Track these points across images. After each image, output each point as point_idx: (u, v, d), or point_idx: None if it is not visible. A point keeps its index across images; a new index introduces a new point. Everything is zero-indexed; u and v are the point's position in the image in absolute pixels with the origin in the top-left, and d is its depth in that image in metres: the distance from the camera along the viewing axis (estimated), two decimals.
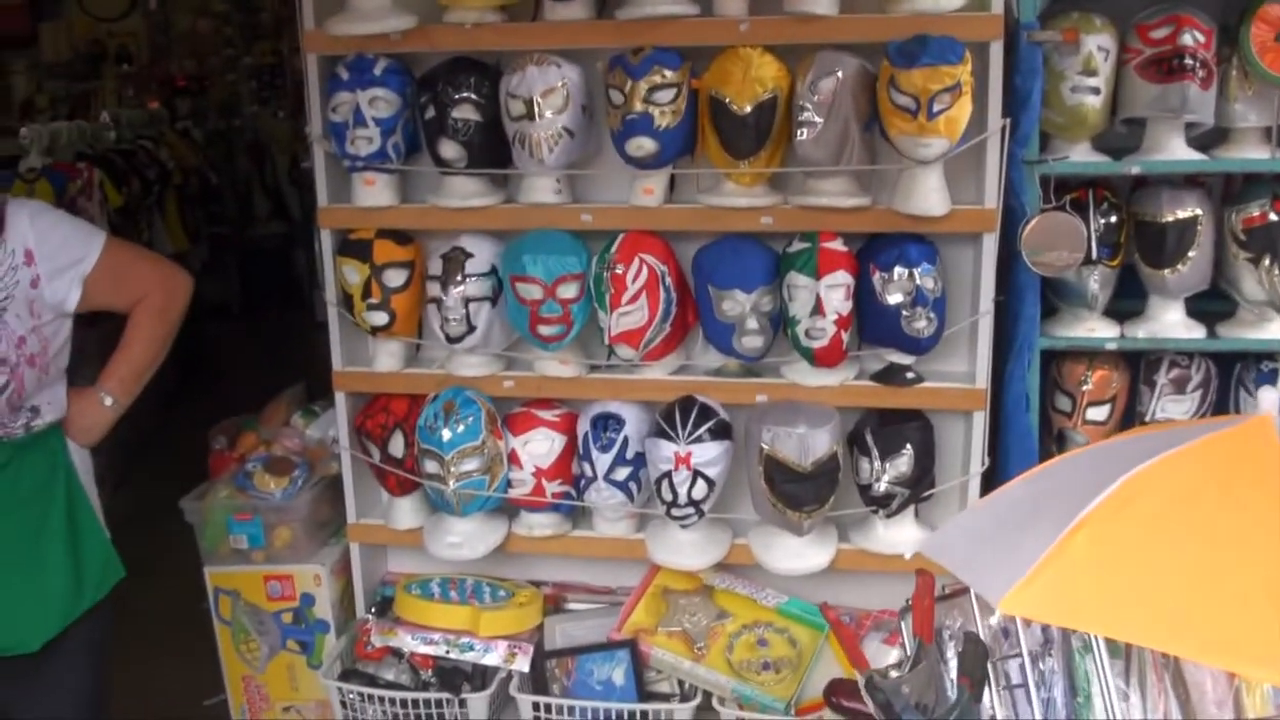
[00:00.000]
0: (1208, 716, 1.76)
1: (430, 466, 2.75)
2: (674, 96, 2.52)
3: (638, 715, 2.68)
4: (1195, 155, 2.53)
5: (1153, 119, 2.54)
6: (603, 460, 2.71)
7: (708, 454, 2.60)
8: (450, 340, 2.75)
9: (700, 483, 2.61)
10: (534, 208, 2.72)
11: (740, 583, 2.86)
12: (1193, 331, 2.60)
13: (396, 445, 2.85)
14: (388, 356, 2.88)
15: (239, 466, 3.06)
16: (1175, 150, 2.53)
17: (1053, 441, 2.69)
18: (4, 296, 2.12)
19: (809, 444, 2.54)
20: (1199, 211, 2.53)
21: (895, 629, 2.67)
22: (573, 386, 2.80)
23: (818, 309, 2.52)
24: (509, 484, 2.81)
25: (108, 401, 2.35)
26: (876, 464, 2.61)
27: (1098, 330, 2.62)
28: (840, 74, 2.42)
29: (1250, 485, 1.26)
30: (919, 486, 2.64)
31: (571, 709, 2.69)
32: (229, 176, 8.81)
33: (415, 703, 2.74)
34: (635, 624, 2.77)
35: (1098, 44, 2.51)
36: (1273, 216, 2.48)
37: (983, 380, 2.62)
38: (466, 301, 2.71)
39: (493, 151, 2.70)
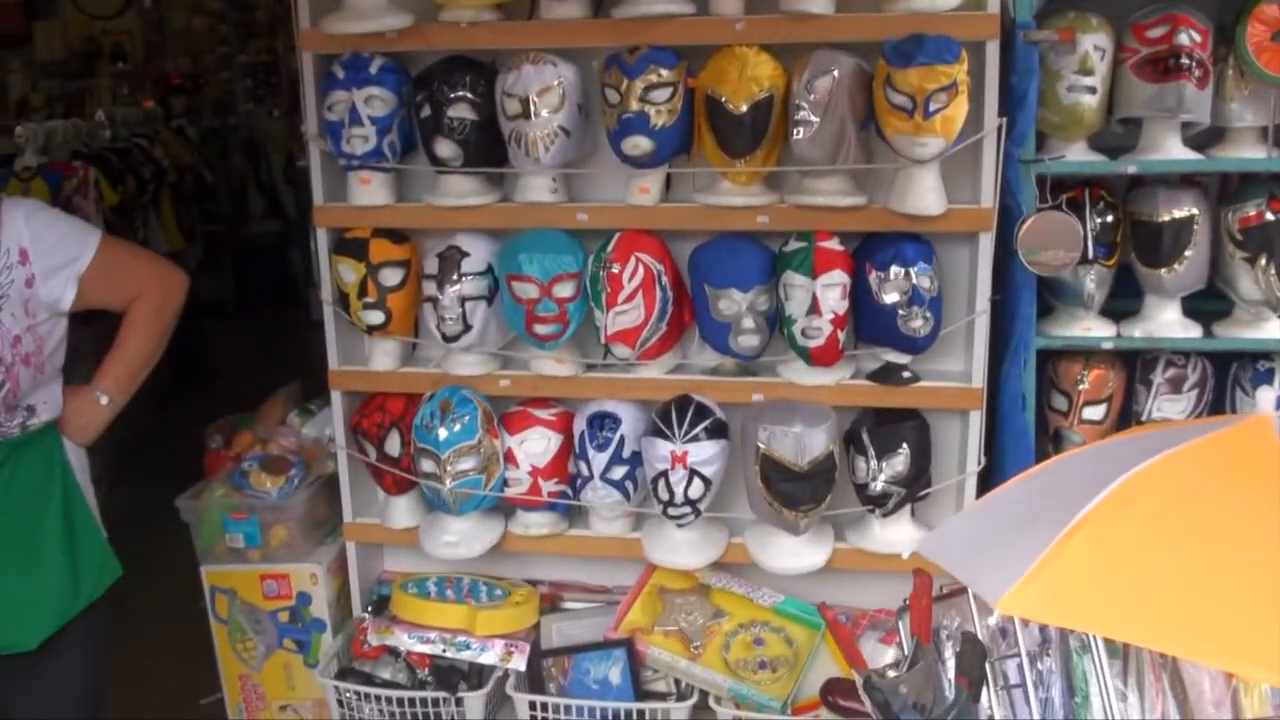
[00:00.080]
0: (1205, 716, 1.77)
1: (426, 465, 2.74)
2: (670, 95, 2.52)
3: (634, 714, 2.68)
4: (1191, 155, 2.54)
5: (1149, 118, 2.54)
6: (599, 459, 2.71)
7: (704, 453, 2.60)
8: (446, 339, 2.74)
9: (696, 482, 2.61)
10: (530, 207, 2.72)
11: (737, 582, 2.86)
12: (1189, 331, 2.60)
13: (393, 444, 2.84)
14: (384, 355, 2.88)
15: (235, 465, 3.06)
16: (1171, 150, 2.53)
17: (1049, 441, 2.70)
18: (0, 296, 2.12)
19: (805, 443, 2.53)
20: (1195, 211, 2.53)
21: (891, 628, 2.67)
22: (569, 385, 2.80)
23: (814, 308, 2.52)
24: (505, 483, 2.80)
25: (103, 400, 2.35)
26: (873, 463, 2.61)
27: (1094, 330, 2.62)
28: (836, 73, 2.42)
29: (1249, 485, 1.26)
30: (915, 486, 2.64)
31: (568, 708, 2.69)
32: (224, 175, 8.81)
33: (412, 701, 2.74)
34: (632, 623, 2.77)
35: (1094, 43, 2.51)
36: (1269, 216, 2.49)
37: (979, 379, 2.62)
38: (462, 300, 2.71)
39: (488, 150, 2.69)
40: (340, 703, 2.78)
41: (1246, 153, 2.54)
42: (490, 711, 2.78)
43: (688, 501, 2.62)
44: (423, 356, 2.96)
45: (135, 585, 2.59)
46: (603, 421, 2.76)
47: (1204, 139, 2.58)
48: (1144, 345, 2.62)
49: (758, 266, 2.61)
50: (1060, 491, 1.33)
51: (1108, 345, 2.61)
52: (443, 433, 2.69)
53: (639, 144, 2.53)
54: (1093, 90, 2.52)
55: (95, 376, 2.36)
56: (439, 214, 2.76)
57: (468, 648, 2.76)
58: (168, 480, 3.19)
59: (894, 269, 2.51)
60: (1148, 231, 2.56)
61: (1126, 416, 2.67)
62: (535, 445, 2.79)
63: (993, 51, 2.46)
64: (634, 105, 2.51)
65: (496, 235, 2.79)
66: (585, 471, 2.74)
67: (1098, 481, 1.26)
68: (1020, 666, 1.74)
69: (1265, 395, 1.44)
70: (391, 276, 2.76)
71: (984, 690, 1.62)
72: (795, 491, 2.57)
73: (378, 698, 2.74)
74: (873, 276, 2.54)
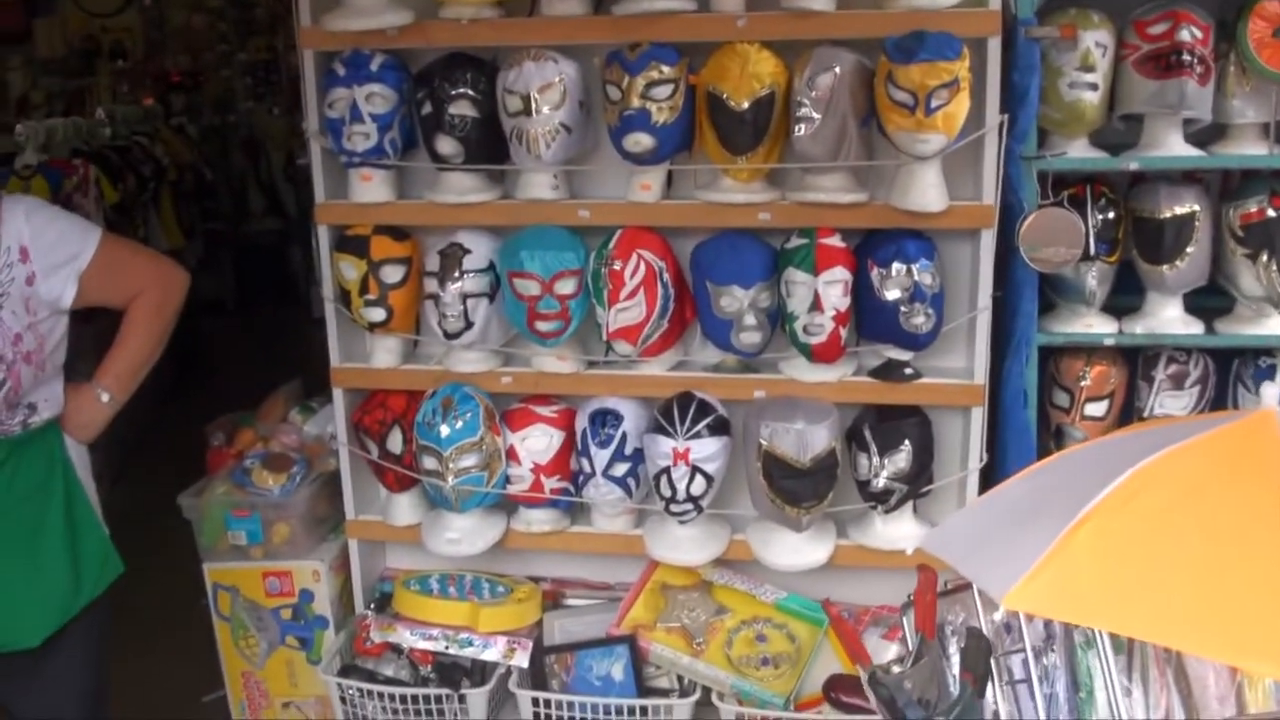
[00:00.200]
0: (1210, 712, 1.77)
1: (428, 463, 2.74)
2: (671, 92, 2.52)
3: (637, 711, 2.68)
4: (1193, 151, 2.53)
5: (1150, 115, 2.54)
6: (601, 456, 2.71)
7: (706, 450, 2.60)
8: (448, 336, 2.74)
9: (699, 478, 2.61)
10: (531, 204, 2.72)
11: (739, 578, 2.86)
12: (1191, 327, 2.60)
13: (395, 441, 2.84)
14: (385, 353, 2.87)
15: (237, 463, 3.06)
16: (1173, 146, 2.53)
17: (1051, 437, 2.69)
18: (0, 294, 2.12)
19: (807, 440, 2.54)
20: (1197, 207, 2.53)
21: (894, 624, 2.67)
22: (571, 382, 2.80)
23: (816, 305, 2.52)
24: (507, 480, 2.80)
25: (104, 398, 2.35)
26: (875, 460, 2.61)
27: (1096, 326, 2.61)
28: (838, 70, 2.42)
29: (1254, 480, 1.26)
30: (917, 482, 2.64)
31: (571, 704, 2.69)
32: (224, 172, 8.80)
33: (415, 698, 2.74)
34: (634, 620, 2.77)
35: (1095, 40, 2.51)
36: (1270, 212, 2.48)
37: (981, 376, 2.62)
38: (464, 297, 2.70)
39: (490, 147, 2.69)
40: (343, 700, 2.78)
41: (1248, 149, 2.54)
42: (493, 708, 2.78)
43: (690, 498, 2.62)
44: (424, 354, 2.96)
45: (137, 583, 2.59)
46: (605, 418, 2.76)
47: (1205, 135, 2.58)
48: (1146, 342, 2.62)
49: (759, 263, 2.61)
50: (1065, 487, 1.33)
51: (1109, 342, 2.60)
52: (445, 430, 2.69)
53: (640, 141, 2.53)
54: (1094, 87, 2.52)
55: (96, 374, 2.36)
56: (440, 211, 2.75)
57: (470, 644, 2.76)
58: (169, 478, 3.18)
59: (896, 266, 2.51)
60: (1149, 228, 2.56)
61: (1128, 413, 2.67)
62: (537, 442, 2.79)
63: (994, 48, 2.46)
64: (635, 102, 2.50)
65: (498, 232, 2.79)
66: (587, 468, 2.74)
67: (1102, 477, 1.25)
68: (1025, 662, 1.75)
69: (1269, 391, 1.43)
70: (393, 274, 2.76)
71: (989, 685, 1.62)
72: (797, 488, 2.57)
73: (381, 695, 2.75)
74: (874, 273, 2.54)
